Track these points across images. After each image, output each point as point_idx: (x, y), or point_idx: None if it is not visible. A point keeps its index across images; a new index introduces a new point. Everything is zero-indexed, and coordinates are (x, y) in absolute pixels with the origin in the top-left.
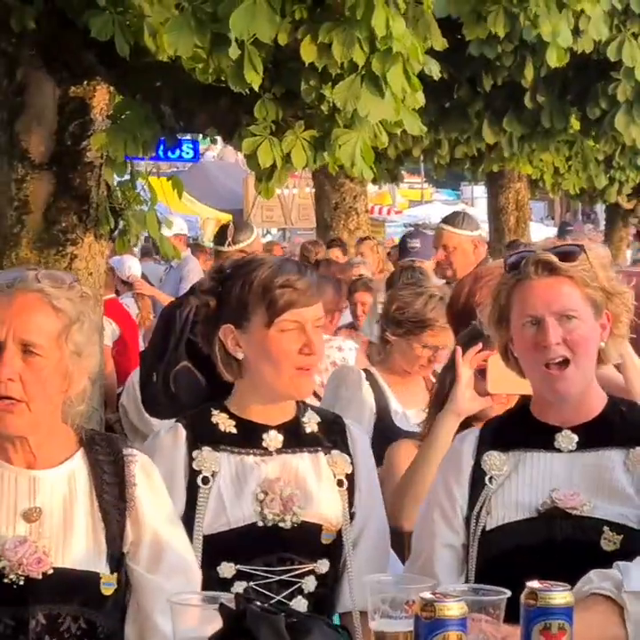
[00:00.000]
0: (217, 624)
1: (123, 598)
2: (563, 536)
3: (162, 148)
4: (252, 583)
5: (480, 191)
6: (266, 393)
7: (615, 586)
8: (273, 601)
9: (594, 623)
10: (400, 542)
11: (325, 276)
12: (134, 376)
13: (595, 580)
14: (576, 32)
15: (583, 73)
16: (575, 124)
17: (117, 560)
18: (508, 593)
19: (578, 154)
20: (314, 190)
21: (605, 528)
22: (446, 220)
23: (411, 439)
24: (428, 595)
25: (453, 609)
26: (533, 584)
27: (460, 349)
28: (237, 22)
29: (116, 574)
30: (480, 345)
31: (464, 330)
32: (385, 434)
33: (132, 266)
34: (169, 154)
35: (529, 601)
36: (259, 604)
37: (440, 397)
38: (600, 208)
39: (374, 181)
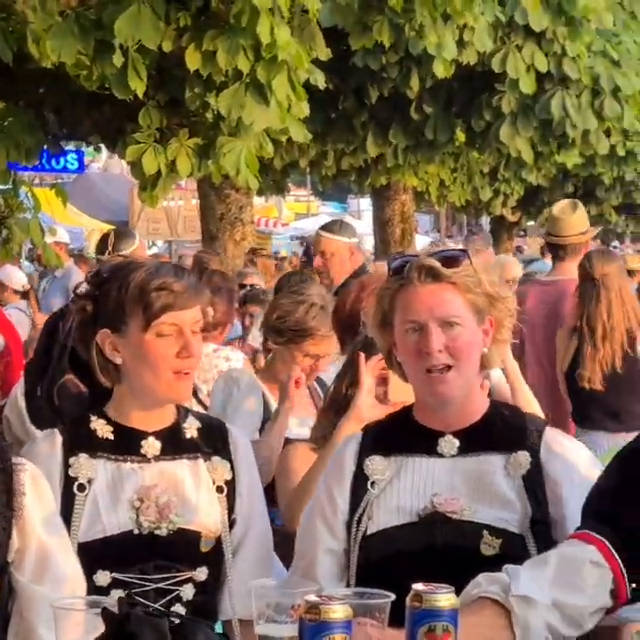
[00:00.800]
0: (100, 630)
1: (5, 607)
2: (443, 540)
3: (45, 157)
4: (128, 592)
5: (366, 204)
6: (144, 398)
7: (503, 589)
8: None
9: (481, 627)
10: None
11: (215, 285)
12: (19, 388)
13: (483, 583)
14: (461, 44)
15: (468, 85)
16: (460, 136)
17: (1, 568)
18: (393, 596)
19: (463, 166)
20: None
21: (485, 532)
22: (324, 227)
23: (304, 442)
24: (312, 597)
25: (338, 612)
26: (418, 586)
27: (362, 356)
28: (122, 29)
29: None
30: (380, 354)
31: (349, 336)
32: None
33: (22, 275)
34: (53, 163)
35: (414, 603)
36: (142, 608)
37: (335, 403)
38: (485, 220)
39: (260, 193)
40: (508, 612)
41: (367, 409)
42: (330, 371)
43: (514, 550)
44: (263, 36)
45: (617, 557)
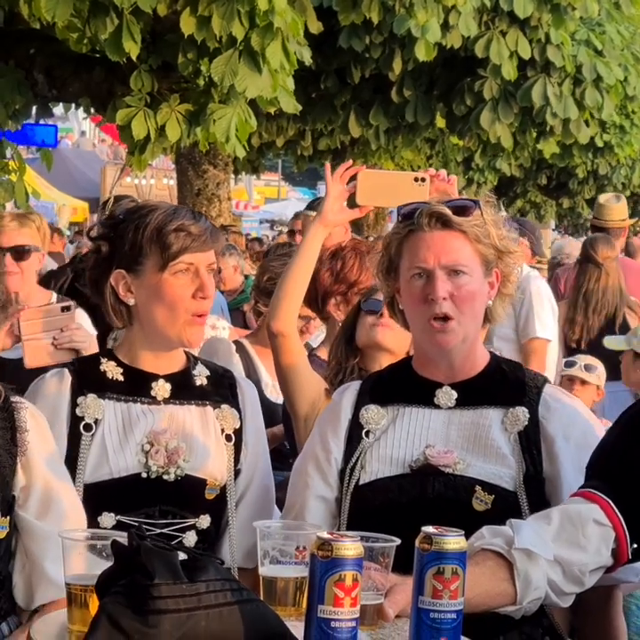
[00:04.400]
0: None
1: (11, 544)
2: (435, 494)
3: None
4: (138, 525)
5: None
6: (156, 340)
7: (506, 542)
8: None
9: (483, 578)
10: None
11: None
12: None
13: (486, 535)
14: (445, 27)
15: (450, 69)
16: (440, 121)
17: (9, 504)
18: (398, 540)
19: (439, 153)
20: (171, 181)
21: (478, 487)
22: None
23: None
24: (325, 534)
25: (351, 549)
26: (428, 529)
27: (328, 166)
28: None
29: (8, 517)
30: (351, 161)
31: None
32: None
33: None
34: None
35: (423, 545)
36: (152, 541)
37: (346, 331)
38: None
39: (236, 171)
40: (510, 564)
41: (333, 214)
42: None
43: (505, 507)
44: (260, 2)
45: (620, 517)
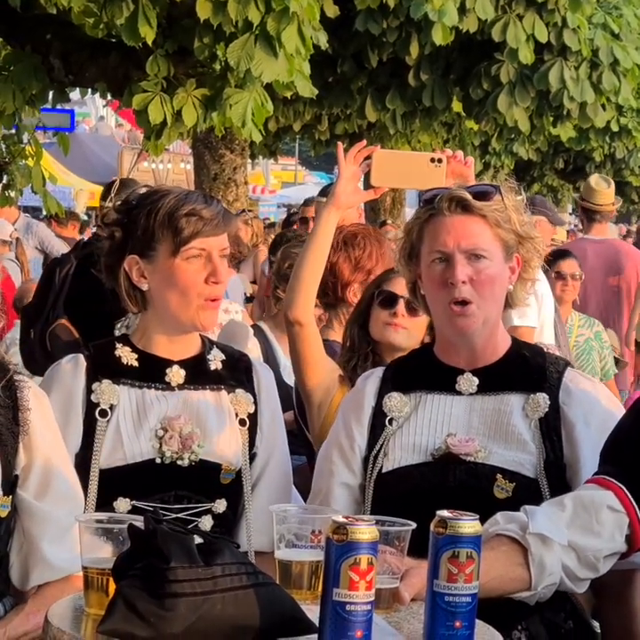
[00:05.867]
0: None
1: (11, 524)
2: (456, 482)
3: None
4: (154, 508)
5: None
6: (170, 325)
7: (520, 528)
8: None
9: (497, 563)
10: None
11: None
12: (9, 336)
13: (501, 521)
14: (462, 10)
15: (467, 53)
16: (456, 105)
17: (11, 483)
18: (413, 525)
19: (455, 137)
20: (188, 166)
21: (499, 475)
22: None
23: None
24: (340, 518)
25: (366, 533)
26: (443, 513)
27: (340, 145)
28: None
29: (10, 497)
30: (364, 142)
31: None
32: None
33: (8, 225)
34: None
35: (438, 529)
36: (168, 525)
37: (359, 317)
38: None
39: (253, 156)
40: (524, 550)
41: (346, 196)
42: None
43: (527, 494)
44: None
45: (634, 503)
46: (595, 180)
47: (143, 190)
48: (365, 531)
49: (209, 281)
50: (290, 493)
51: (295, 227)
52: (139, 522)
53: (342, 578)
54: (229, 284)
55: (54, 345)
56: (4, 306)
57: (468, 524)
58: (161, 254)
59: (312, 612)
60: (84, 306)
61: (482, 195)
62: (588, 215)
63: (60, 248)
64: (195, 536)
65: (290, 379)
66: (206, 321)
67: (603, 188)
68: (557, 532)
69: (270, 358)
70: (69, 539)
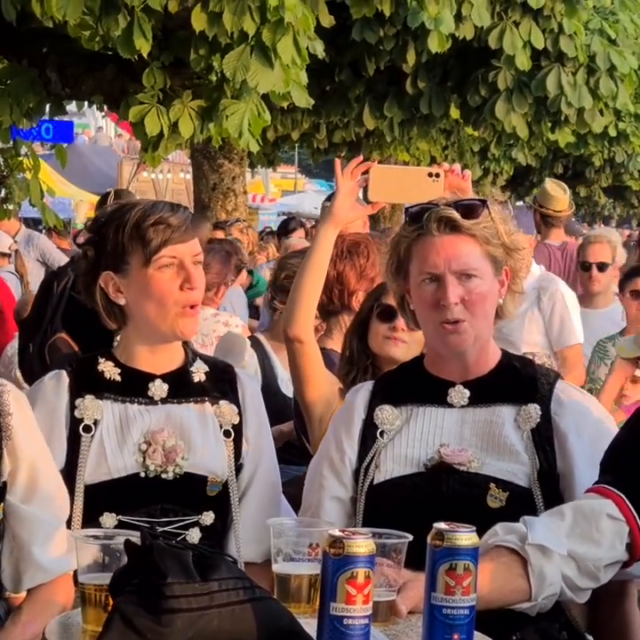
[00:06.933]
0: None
1: (1, 529)
2: (449, 492)
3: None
4: (150, 524)
5: None
6: (151, 336)
7: (520, 539)
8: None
9: (497, 574)
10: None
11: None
12: (10, 348)
13: (500, 532)
14: (458, 18)
15: (464, 60)
16: (454, 112)
17: (1, 490)
18: (410, 537)
19: (454, 144)
20: (188, 175)
21: (492, 485)
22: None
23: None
24: (336, 532)
25: (362, 546)
26: (440, 525)
27: (338, 161)
28: None
29: (1, 504)
30: (361, 157)
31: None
32: (270, 401)
33: (7, 237)
34: (43, 134)
35: (435, 541)
36: (164, 540)
37: (358, 328)
38: None
39: (252, 164)
40: (524, 561)
41: (344, 211)
42: None
43: (520, 504)
44: None
45: (634, 512)
46: (551, 186)
47: (112, 207)
48: (362, 544)
49: (184, 288)
50: (279, 504)
51: (294, 235)
52: (135, 537)
53: (339, 591)
54: (232, 295)
55: (53, 358)
56: (3, 317)
57: (466, 536)
58: (133, 267)
59: (311, 626)
60: (82, 319)
61: (469, 211)
62: (546, 221)
63: (62, 260)
64: (191, 551)
65: (288, 390)
66: (186, 328)
67: (560, 195)
68: (557, 542)
69: (268, 370)
70: (58, 539)
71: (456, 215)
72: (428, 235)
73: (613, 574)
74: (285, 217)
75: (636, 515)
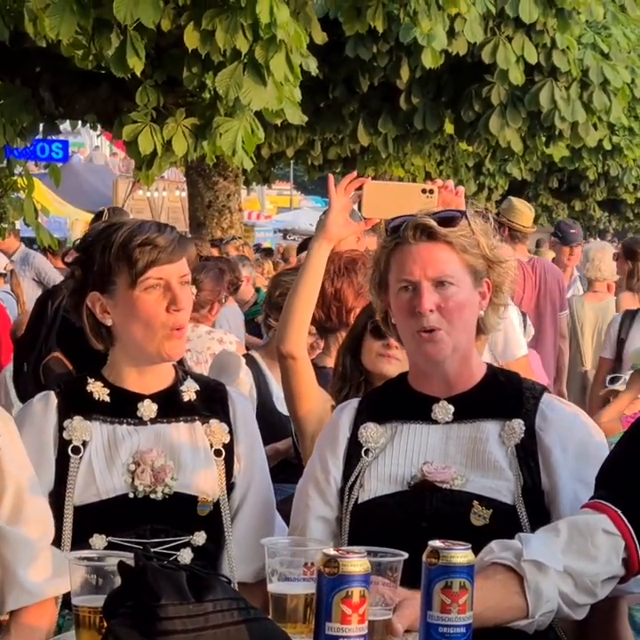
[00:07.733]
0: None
1: None
2: (432, 510)
3: (33, 143)
4: (144, 545)
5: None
6: (138, 357)
7: (515, 555)
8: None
9: (493, 591)
10: None
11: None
12: (7, 370)
13: (495, 549)
14: (451, 34)
15: (457, 75)
16: (449, 128)
17: None
18: (405, 555)
19: (449, 159)
20: (183, 193)
21: (475, 502)
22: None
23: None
24: (331, 551)
25: (357, 565)
26: (435, 543)
27: (331, 178)
28: (121, 7)
29: None
30: (354, 173)
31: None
32: (266, 419)
33: (3, 257)
34: (38, 153)
35: (431, 559)
36: (158, 561)
37: (351, 344)
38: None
39: (246, 182)
40: (520, 578)
41: (337, 228)
42: None
43: (504, 521)
44: (263, 15)
45: (629, 526)
46: (517, 201)
47: (100, 226)
48: (357, 563)
49: (170, 309)
50: (273, 523)
51: (290, 247)
52: (129, 558)
53: (334, 611)
54: (228, 312)
55: (48, 378)
56: None
57: (461, 554)
58: (120, 288)
59: None
60: (77, 338)
61: (447, 221)
62: (514, 235)
63: (57, 279)
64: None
65: (283, 407)
66: (172, 351)
67: (526, 211)
68: (552, 558)
69: (263, 387)
70: (44, 562)
71: (432, 222)
72: (404, 243)
73: (610, 590)
74: (282, 233)
75: (631, 529)
